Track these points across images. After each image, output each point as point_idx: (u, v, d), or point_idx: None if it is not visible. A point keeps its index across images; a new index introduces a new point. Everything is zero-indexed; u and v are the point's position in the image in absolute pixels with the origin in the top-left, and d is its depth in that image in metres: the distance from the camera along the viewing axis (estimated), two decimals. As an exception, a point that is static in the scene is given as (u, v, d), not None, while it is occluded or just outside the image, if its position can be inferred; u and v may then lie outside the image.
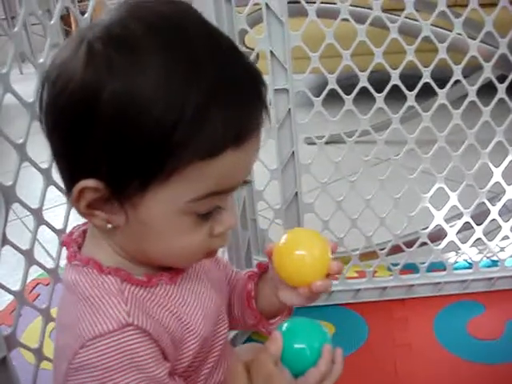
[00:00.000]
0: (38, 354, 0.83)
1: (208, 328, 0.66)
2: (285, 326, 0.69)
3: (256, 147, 0.58)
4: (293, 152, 1.18)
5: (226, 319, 0.73)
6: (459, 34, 1.13)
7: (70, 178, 0.56)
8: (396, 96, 1.20)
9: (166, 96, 0.51)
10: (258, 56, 1.20)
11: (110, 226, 0.58)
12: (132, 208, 0.56)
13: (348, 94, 1.16)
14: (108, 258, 0.61)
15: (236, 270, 0.85)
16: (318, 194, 1.23)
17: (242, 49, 1.13)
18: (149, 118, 0.51)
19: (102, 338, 0.56)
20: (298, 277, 0.70)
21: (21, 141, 0.76)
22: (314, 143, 1.23)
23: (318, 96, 1.15)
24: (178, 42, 0.54)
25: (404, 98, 1.17)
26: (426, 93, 1.21)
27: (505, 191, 1.27)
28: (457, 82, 1.17)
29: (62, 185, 0.60)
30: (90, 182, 0.54)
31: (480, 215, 1.30)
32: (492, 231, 1.33)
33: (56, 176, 0.62)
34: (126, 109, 0.51)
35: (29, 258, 0.79)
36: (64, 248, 0.65)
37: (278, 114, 1.16)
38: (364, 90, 1.16)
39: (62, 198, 0.67)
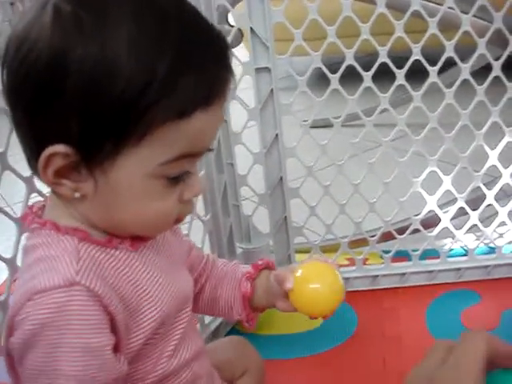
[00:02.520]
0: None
1: (170, 303, 0.64)
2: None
3: (222, 110, 0.59)
4: (276, 135, 1.13)
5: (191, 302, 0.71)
6: (451, 9, 1.06)
7: (36, 147, 0.54)
8: (386, 78, 1.14)
9: (138, 55, 0.51)
10: (241, 34, 1.14)
11: (77, 194, 0.56)
12: (102, 174, 0.55)
13: (334, 73, 1.11)
14: (66, 220, 0.59)
15: (211, 256, 0.84)
16: (304, 178, 1.18)
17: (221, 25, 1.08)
18: (121, 78, 0.51)
19: (46, 294, 0.54)
20: (314, 309, 0.74)
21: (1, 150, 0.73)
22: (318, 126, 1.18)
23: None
24: (145, 2, 0.53)
25: (394, 78, 1.11)
26: (418, 75, 1.14)
27: (501, 175, 1.20)
28: (451, 64, 1.11)
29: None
30: (59, 148, 0.53)
31: (476, 200, 1.23)
32: (490, 217, 1.27)
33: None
34: (97, 69, 0.50)
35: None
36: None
37: (260, 95, 1.10)
38: (352, 71, 1.10)
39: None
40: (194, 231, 1.05)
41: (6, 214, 0.75)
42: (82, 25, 0.51)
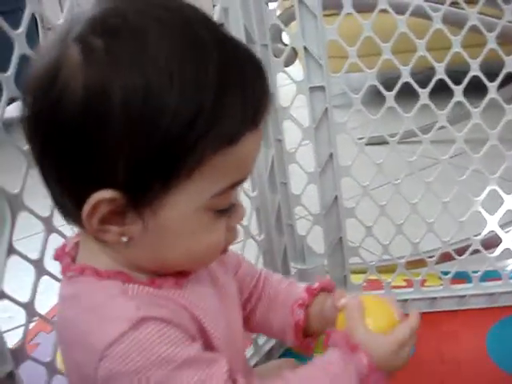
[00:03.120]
0: (50, 367, 0.79)
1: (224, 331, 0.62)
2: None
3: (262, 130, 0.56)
4: (331, 154, 1.11)
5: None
6: (510, 22, 1.03)
7: (77, 196, 0.51)
8: (443, 95, 1.11)
9: (181, 85, 0.48)
10: (295, 52, 1.14)
11: (124, 239, 0.53)
12: (151, 214, 0.52)
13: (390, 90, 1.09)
14: (106, 264, 0.56)
15: (264, 272, 0.81)
16: (359, 198, 1.16)
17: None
18: (166, 112, 0.48)
19: (118, 343, 0.50)
20: None
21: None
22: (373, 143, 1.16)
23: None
24: (177, 25, 0.50)
25: (452, 95, 1.09)
26: (477, 91, 1.11)
27: None
28: (511, 79, 1.08)
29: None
30: (105, 193, 0.50)
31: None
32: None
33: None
34: (140, 105, 0.47)
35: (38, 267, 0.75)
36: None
37: (314, 114, 1.09)
38: (408, 88, 1.08)
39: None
40: (248, 251, 1.04)
41: (26, 257, 0.73)
42: (116, 57, 0.48)
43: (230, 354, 0.60)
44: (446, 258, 1.23)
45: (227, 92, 0.50)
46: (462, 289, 1.22)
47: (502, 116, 1.10)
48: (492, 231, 1.19)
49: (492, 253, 1.20)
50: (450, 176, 1.14)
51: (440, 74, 1.07)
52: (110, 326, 0.51)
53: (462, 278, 1.24)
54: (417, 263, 1.24)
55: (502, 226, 1.19)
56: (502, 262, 1.24)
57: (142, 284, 0.56)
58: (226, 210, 0.56)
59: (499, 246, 1.19)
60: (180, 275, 0.59)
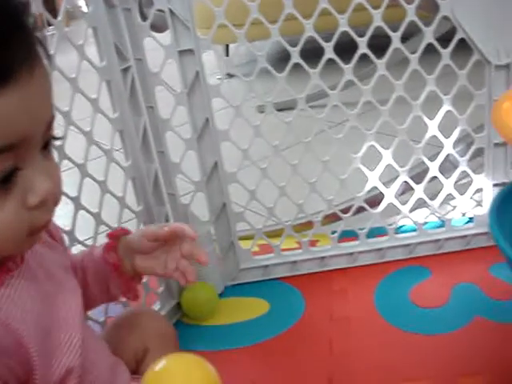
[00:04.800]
0: None
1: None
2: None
3: (36, 87, 0.49)
4: (207, 118, 1.09)
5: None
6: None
7: None
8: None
9: None
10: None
11: None
12: None
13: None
14: None
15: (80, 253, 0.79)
16: (240, 162, 1.14)
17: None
18: None
19: None
20: None
21: None
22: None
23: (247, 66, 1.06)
24: None
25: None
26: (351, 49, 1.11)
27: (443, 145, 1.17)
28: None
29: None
30: None
31: (421, 174, 1.20)
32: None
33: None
34: None
35: None
36: None
37: (185, 79, 1.06)
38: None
39: None
40: (130, 223, 1.02)
41: None
42: None
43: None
44: (334, 218, 1.24)
45: None
46: (349, 246, 1.23)
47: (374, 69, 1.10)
48: (376, 189, 1.19)
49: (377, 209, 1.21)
50: (329, 135, 1.14)
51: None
52: None
53: (352, 236, 1.24)
54: (306, 225, 1.24)
55: (387, 184, 1.19)
56: (388, 218, 1.25)
57: None
58: (6, 183, 0.50)
59: (382, 202, 1.20)
60: None
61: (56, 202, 0.56)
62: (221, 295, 1.20)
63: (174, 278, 0.77)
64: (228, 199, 1.16)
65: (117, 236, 0.77)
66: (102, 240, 0.79)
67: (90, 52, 0.92)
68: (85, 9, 0.94)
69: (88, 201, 0.94)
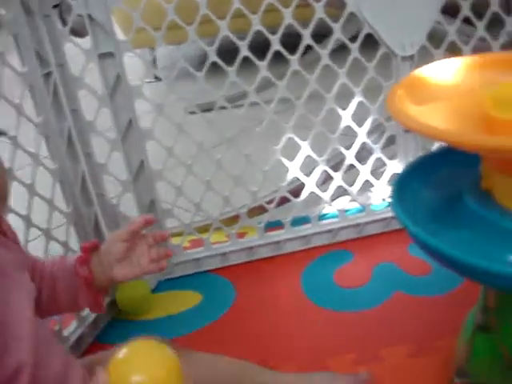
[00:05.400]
0: None
1: None
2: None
3: None
4: (130, 119, 1.12)
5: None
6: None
7: None
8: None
9: None
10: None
11: None
12: None
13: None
14: None
15: (50, 260, 0.81)
16: (165, 159, 1.18)
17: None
18: None
19: None
20: None
21: None
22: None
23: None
24: None
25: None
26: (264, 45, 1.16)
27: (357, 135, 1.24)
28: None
29: None
30: None
31: (340, 164, 1.27)
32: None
33: None
34: None
35: None
36: None
37: (107, 81, 1.09)
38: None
39: None
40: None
41: None
42: None
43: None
44: (261, 210, 1.29)
45: None
46: (275, 235, 1.28)
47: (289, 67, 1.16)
48: (297, 179, 1.25)
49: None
50: (250, 132, 1.19)
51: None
52: None
53: (278, 226, 1.30)
54: (235, 219, 1.28)
55: (307, 174, 1.25)
56: (313, 207, 1.31)
57: None
58: None
59: (304, 191, 1.25)
60: None
61: None
62: (154, 290, 1.23)
63: (151, 271, 0.83)
64: (156, 197, 1.19)
65: (89, 249, 0.80)
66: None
67: (11, 59, 0.94)
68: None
69: (18, 205, 0.94)
